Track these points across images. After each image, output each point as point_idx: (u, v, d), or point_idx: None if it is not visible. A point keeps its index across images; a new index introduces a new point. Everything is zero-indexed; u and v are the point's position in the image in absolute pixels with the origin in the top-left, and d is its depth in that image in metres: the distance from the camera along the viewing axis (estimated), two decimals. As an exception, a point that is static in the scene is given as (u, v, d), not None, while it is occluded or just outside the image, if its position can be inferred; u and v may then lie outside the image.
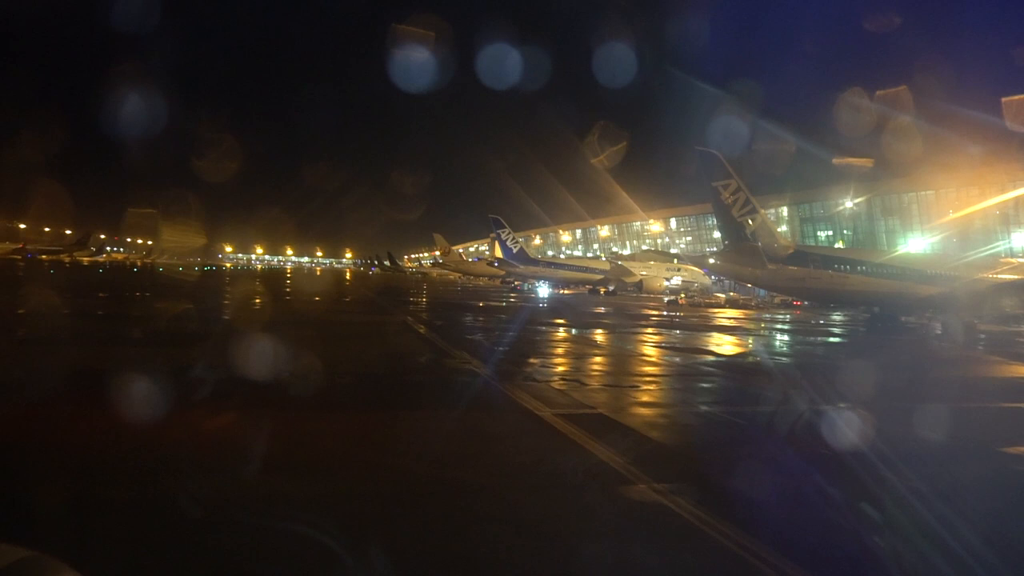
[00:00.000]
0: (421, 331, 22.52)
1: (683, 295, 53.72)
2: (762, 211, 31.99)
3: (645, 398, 12.20)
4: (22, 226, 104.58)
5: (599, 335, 23.96)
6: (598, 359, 18.13)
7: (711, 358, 18.74)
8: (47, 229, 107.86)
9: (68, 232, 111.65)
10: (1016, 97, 30.98)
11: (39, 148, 48.42)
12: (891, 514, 5.93)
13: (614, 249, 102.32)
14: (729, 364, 17.92)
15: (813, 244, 56.39)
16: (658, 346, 21.19)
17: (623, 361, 17.76)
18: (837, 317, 39.50)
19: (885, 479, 6.84)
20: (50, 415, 8.29)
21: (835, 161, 44.47)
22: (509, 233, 63.81)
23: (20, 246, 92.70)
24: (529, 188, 79.36)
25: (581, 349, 20.16)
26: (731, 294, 53.60)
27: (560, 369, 15.21)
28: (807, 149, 41.63)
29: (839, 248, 50.97)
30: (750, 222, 30.41)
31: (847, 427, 9.55)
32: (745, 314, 39.99)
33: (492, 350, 17.78)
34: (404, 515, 5.62)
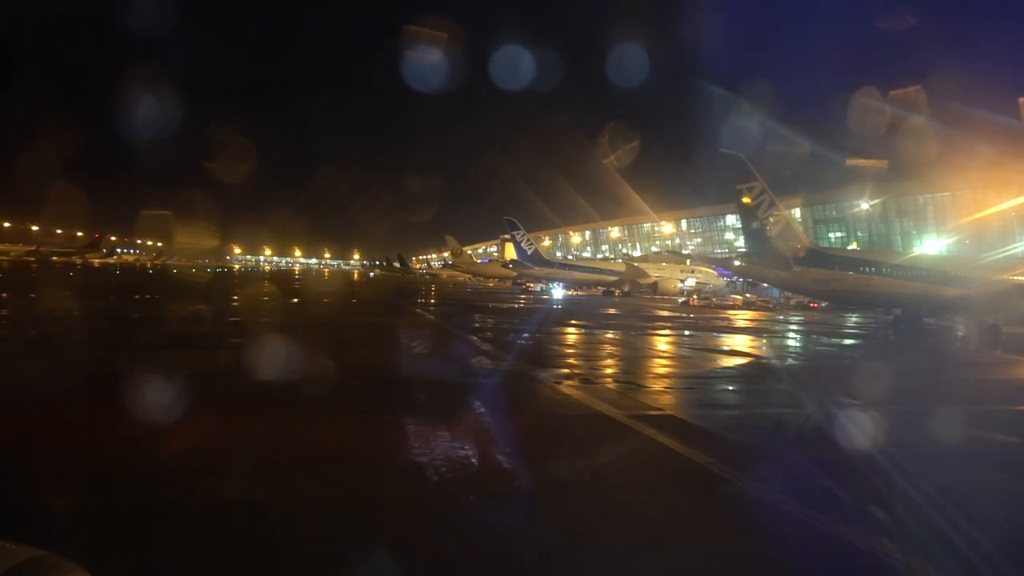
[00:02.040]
0: (457, 334, 22.71)
1: (695, 297, 53.77)
2: (786, 213, 32.14)
3: (704, 399, 12.38)
4: (35, 228, 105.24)
5: (631, 337, 24.08)
6: (640, 360, 18.29)
7: (749, 360, 18.90)
8: (59, 231, 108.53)
9: (80, 234, 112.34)
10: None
11: (52, 151, 48.74)
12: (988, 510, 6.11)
13: (624, 251, 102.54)
14: (771, 366, 18.08)
15: (825, 246, 56.43)
16: (694, 348, 21.35)
17: (665, 363, 17.92)
18: (859, 319, 39.58)
19: (978, 477, 7.03)
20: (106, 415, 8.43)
21: (848, 162, 44.52)
22: (524, 235, 64.00)
23: (34, 248, 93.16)
24: (539, 189, 79.63)
25: (618, 351, 20.30)
26: (748, 295, 53.67)
27: (609, 371, 15.39)
28: (821, 150, 41.70)
29: (862, 250, 51.04)
30: (774, 224, 30.54)
31: (910, 428, 9.74)
32: (766, 315, 40.10)
33: (533, 352, 17.96)
34: (557, 519, 5.80)
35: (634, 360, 18.38)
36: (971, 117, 36.00)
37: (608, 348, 20.80)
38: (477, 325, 26.34)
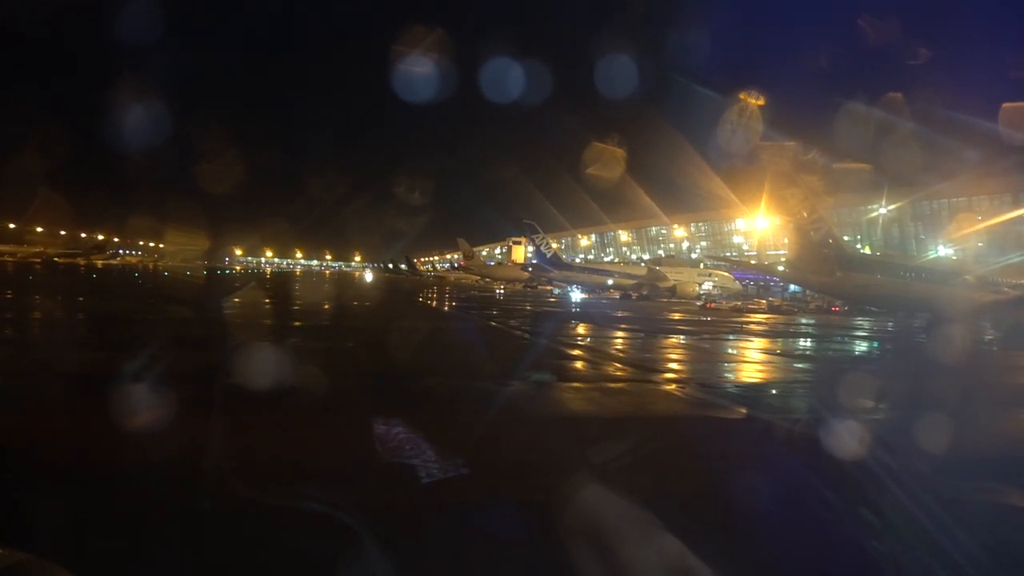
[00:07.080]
0: (521, 335, 22.97)
1: (712, 300, 54.26)
2: (828, 219, 32.69)
3: (826, 403, 12.64)
4: (39, 229, 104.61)
5: (696, 341, 24.31)
6: (722, 364, 18.64)
7: (826, 364, 19.26)
8: (63, 232, 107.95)
9: (83, 235, 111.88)
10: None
11: (53, 154, 48.61)
12: None
13: (630, 254, 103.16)
14: (852, 369, 18.40)
15: (864, 252, 57.05)
16: (762, 351, 21.72)
17: (750, 366, 18.20)
18: (882, 322, 40.01)
19: None
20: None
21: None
22: (543, 237, 64.42)
23: (40, 249, 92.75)
24: (545, 192, 79.63)
25: (693, 355, 20.56)
26: (771, 300, 54.22)
27: (715, 376, 15.49)
28: (833, 155, 42.16)
29: (900, 255, 52.00)
30: (817, 230, 31.06)
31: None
32: (797, 319, 40.46)
33: (620, 356, 18.25)
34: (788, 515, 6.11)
35: (717, 364, 18.67)
36: (990, 124, 36.68)
37: (682, 352, 21.04)
38: (539, 329, 26.49)
